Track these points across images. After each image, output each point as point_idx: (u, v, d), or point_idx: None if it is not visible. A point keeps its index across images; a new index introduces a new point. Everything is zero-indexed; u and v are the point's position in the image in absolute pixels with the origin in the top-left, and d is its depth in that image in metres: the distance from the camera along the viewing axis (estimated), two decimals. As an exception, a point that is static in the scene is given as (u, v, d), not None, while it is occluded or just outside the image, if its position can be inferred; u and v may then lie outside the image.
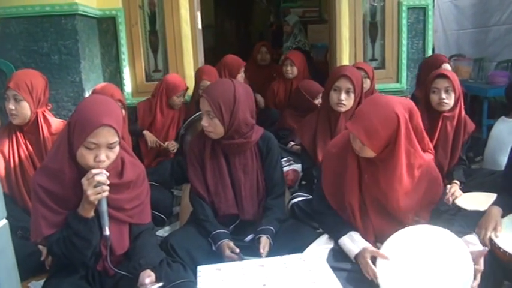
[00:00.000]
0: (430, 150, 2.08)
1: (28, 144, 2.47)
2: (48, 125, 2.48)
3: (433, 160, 2.12)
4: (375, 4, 4.29)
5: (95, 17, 3.84)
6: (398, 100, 2.00)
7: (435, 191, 2.02)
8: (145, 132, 3.57)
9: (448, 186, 2.75)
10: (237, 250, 2.15)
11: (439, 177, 2.07)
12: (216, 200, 2.33)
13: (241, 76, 4.07)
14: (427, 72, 3.07)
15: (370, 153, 1.94)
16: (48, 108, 2.54)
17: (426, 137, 2.10)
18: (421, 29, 4.29)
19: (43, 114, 2.48)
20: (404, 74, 4.34)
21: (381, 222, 1.99)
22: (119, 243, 1.88)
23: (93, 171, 1.69)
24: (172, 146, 3.60)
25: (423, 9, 4.25)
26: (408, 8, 4.22)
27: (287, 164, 3.55)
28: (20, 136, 2.47)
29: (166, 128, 3.68)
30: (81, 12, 3.36)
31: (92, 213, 1.75)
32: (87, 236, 1.74)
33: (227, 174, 2.35)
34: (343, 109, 2.74)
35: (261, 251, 2.11)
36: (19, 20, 3.26)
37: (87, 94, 3.42)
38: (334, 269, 1.90)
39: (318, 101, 3.67)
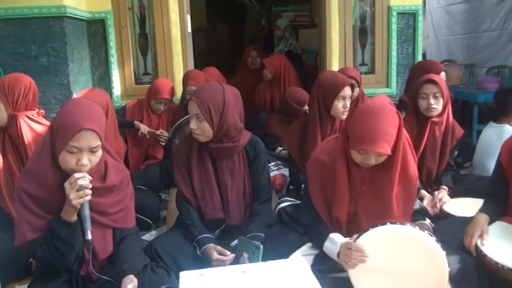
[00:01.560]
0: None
1: (12, 147, 2.45)
2: (29, 129, 2.46)
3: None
4: (366, 9, 4.30)
5: (84, 19, 3.82)
6: (386, 100, 2.00)
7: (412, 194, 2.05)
8: (136, 122, 3.50)
9: (436, 192, 2.76)
10: (228, 253, 2.15)
11: (416, 178, 2.06)
12: (202, 204, 2.32)
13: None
14: (418, 78, 3.07)
15: (383, 159, 1.91)
16: (34, 111, 2.51)
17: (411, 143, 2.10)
18: (411, 34, 4.31)
19: (23, 118, 2.46)
20: (394, 79, 4.36)
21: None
22: (102, 247, 1.87)
23: (76, 175, 1.68)
24: (164, 135, 3.52)
25: (413, 15, 4.27)
26: (398, 13, 4.24)
27: (275, 168, 3.54)
28: (6, 139, 2.46)
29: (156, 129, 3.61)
30: (69, 15, 3.34)
31: (75, 217, 1.74)
32: (69, 240, 1.73)
33: (214, 179, 2.34)
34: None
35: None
36: (6, 22, 3.24)
37: (75, 96, 3.40)
38: (319, 272, 1.91)
39: (306, 108, 3.65)
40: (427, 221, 2.62)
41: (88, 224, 1.73)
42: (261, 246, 2.11)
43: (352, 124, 1.93)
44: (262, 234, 2.23)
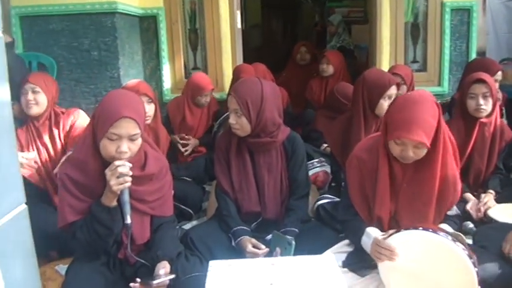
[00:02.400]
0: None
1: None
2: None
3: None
4: (418, 5, 4.18)
5: (137, 15, 3.95)
6: (427, 92, 1.97)
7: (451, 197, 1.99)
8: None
9: (482, 195, 2.66)
10: (262, 246, 2.18)
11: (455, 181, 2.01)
12: (239, 196, 2.36)
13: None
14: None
15: (423, 153, 1.88)
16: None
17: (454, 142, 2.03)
18: (464, 31, 4.15)
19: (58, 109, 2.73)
20: (446, 77, 4.21)
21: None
22: (140, 233, 1.94)
23: (116, 162, 1.76)
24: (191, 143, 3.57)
25: (467, 11, 4.11)
26: (452, 10, 4.09)
27: (319, 165, 3.52)
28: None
29: (196, 125, 3.68)
30: (120, 11, 3.46)
31: (114, 203, 1.81)
32: (109, 224, 1.81)
33: (251, 172, 2.37)
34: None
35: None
36: (61, 17, 3.40)
37: (123, 89, 3.52)
38: (350, 270, 1.93)
39: None
40: (470, 226, 2.57)
41: (127, 209, 1.80)
42: (293, 242, 2.13)
43: (389, 113, 1.94)
44: (296, 229, 2.25)
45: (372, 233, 1.91)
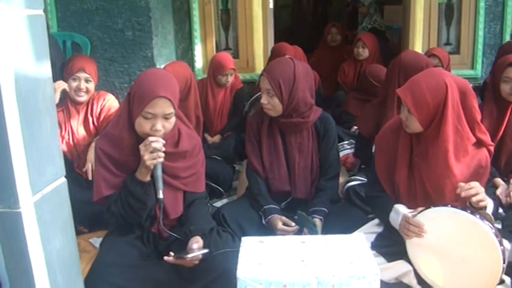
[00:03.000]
0: (486, 141, 1.96)
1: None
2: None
3: (488, 151, 2.02)
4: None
5: (169, -5, 3.97)
6: (453, 76, 1.98)
7: (480, 180, 1.95)
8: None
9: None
10: (293, 224, 2.22)
11: (488, 167, 2.01)
12: (270, 176, 2.39)
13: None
14: (506, 59, 2.90)
15: (416, 125, 1.92)
16: None
17: (482, 126, 2.00)
18: (499, 12, 4.02)
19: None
20: (479, 60, 4.12)
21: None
22: (173, 208, 2.00)
23: (151, 138, 1.81)
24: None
25: (503, -9, 3.99)
26: (486, -10, 3.99)
27: (348, 147, 3.52)
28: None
29: (218, 106, 3.67)
30: (154, -10, 3.49)
31: (148, 178, 1.87)
32: (142, 198, 1.87)
33: (282, 152, 2.39)
34: None
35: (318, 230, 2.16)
36: (95, -4, 3.45)
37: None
38: (379, 249, 1.95)
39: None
40: (499, 210, 2.54)
41: (160, 184, 1.85)
42: (317, 224, 2.17)
43: None
44: (325, 209, 2.27)
45: (401, 209, 1.94)
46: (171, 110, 1.84)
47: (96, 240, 2.46)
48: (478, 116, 2.00)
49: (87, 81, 2.75)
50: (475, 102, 1.97)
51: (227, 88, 3.68)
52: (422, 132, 1.96)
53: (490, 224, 1.74)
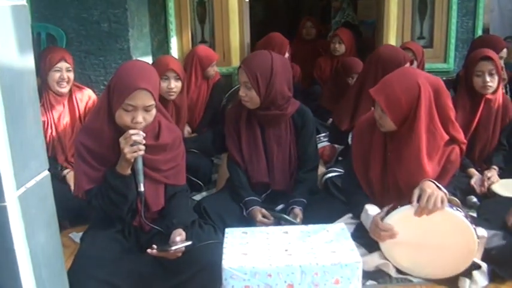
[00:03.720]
0: (459, 139, 2.02)
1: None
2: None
3: (459, 148, 2.09)
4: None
5: (144, -13, 3.92)
6: (426, 75, 2.03)
7: (446, 175, 2.03)
8: None
9: (486, 171, 2.72)
10: (271, 218, 2.24)
11: (456, 163, 2.08)
12: (249, 168, 2.42)
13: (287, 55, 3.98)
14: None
15: (390, 124, 1.97)
16: None
17: (456, 124, 2.07)
18: (472, 7, 4.13)
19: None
20: (452, 54, 4.22)
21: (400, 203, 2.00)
22: (154, 201, 1.99)
23: (131, 131, 1.80)
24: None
25: (475, -13, 4.09)
26: (459, -14, 4.08)
27: (325, 139, 3.57)
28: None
29: (201, 100, 3.68)
30: (130, -18, 3.44)
31: (128, 171, 1.86)
32: (123, 192, 1.86)
33: (261, 145, 2.42)
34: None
35: (298, 221, 2.19)
36: (71, -12, 3.38)
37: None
38: (358, 239, 1.99)
39: (351, 80, 3.62)
40: (473, 200, 2.63)
41: (141, 177, 1.85)
42: (297, 213, 2.26)
43: None
44: (304, 200, 2.31)
45: (371, 212, 1.98)
46: (152, 102, 1.83)
47: (76, 235, 2.45)
48: (452, 114, 2.06)
49: (68, 70, 2.74)
50: (448, 100, 2.03)
51: (208, 81, 3.69)
52: (396, 131, 2.01)
53: (458, 208, 1.82)
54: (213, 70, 3.65)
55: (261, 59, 2.34)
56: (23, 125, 1.41)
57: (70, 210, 2.43)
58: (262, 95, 2.29)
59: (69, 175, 2.67)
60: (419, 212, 1.80)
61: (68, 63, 2.74)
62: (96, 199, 1.89)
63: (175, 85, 2.93)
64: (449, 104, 2.04)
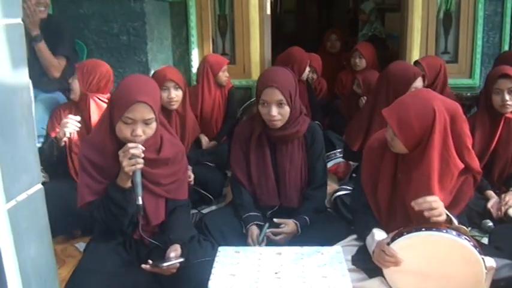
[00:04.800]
0: (474, 168, 1.93)
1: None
2: (96, 108, 2.72)
3: (474, 178, 2.01)
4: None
5: (167, 0, 3.98)
6: (443, 99, 1.92)
7: (456, 205, 1.94)
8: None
9: (503, 194, 2.61)
10: (257, 244, 2.19)
11: (468, 194, 1.98)
12: (258, 191, 2.40)
13: (308, 70, 3.98)
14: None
15: (401, 147, 1.88)
16: (105, 96, 2.76)
17: (472, 152, 1.97)
18: (498, 22, 4.00)
19: (93, 98, 2.72)
20: (477, 69, 4.09)
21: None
22: (154, 214, 2.00)
23: (129, 144, 1.81)
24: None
25: (501, 1, 3.95)
26: (485, -1, 3.96)
27: (340, 155, 3.52)
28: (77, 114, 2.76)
29: (216, 110, 3.67)
30: (149, -4, 3.51)
31: (129, 184, 1.87)
32: (123, 204, 1.87)
33: (271, 166, 2.39)
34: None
35: (275, 220, 2.21)
36: (92, 1, 3.48)
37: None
38: (360, 263, 1.94)
39: (362, 100, 3.56)
40: (489, 224, 2.53)
41: (139, 191, 1.85)
42: (289, 224, 2.24)
43: None
44: (306, 217, 2.28)
45: (377, 236, 1.91)
46: (151, 116, 1.85)
47: (82, 245, 2.48)
48: (469, 141, 1.95)
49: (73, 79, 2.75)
50: (465, 127, 1.92)
51: (222, 89, 3.69)
52: (408, 154, 1.93)
53: (467, 238, 1.73)
54: (225, 76, 3.63)
55: (286, 75, 2.33)
56: (15, 140, 1.43)
57: (83, 219, 2.44)
58: (292, 111, 2.28)
59: None
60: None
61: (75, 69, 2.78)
62: (97, 211, 1.91)
63: (176, 94, 2.92)
64: (466, 131, 1.93)
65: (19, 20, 1.46)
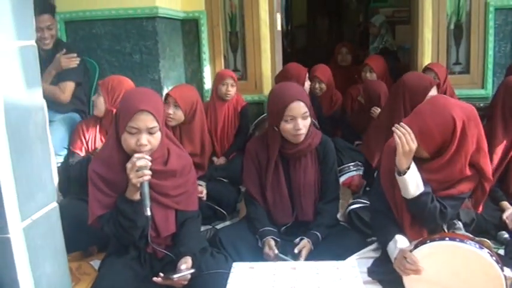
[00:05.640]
0: (485, 172, 1.95)
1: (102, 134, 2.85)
2: None
3: (482, 186, 2.03)
4: (461, 5, 4.04)
5: (178, 18, 4.03)
6: (459, 105, 1.97)
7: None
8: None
9: None
10: (276, 251, 2.18)
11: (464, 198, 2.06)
12: (273, 209, 2.40)
13: (308, 84, 3.99)
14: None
15: (423, 153, 1.95)
16: None
17: (487, 154, 1.96)
18: (509, 31, 3.97)
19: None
20: (490, 79, 4.05)
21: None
22: (164, 226, 2.02)
23: (136, 155, 1.83)
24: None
25: (512, 10, 3.95)
26: (496, 9, 3.93)
27: (354, 168, 3.51)
28: (101, 128, 2.88)
29: (224, 126, 3.68)
30: (161, 15, 3.55)
31: (137, 196, 1.88)
32: (132, 217, 1.88)
33: (285, 185, 2.39)
34: None
35: (296, 251, 2.15)
36: (104, 22, 3.53)
37: (165, 91, 3.60)
38: (375, 275, 1.92)
39: (374, 111, 3.51)
40: (505, 235, 2.49)
41: (147, 202, 1.85)
42: (303, 246, 2.22)
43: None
44: (318, 233, 2.27)
45: (399, 244, 1.92)
46: (155, 124, 1.87)
47: (97, 263, 2.48)
48: (484, 143, 1.99)
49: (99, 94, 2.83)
50: (480, 129, 1.98)
51: (230, 104, 3.70)
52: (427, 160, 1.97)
53: (489, 251, 1.72)
54: (226, 89, 3.60)
55: (299, 88, 2.37)
56: (30, 159, 1.46)
57: (99, 236, 2.46)
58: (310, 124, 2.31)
59: None
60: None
61: (99, 85, 2.86)
62: (107, 225, 1.93)
63: (174, 111, 2.94)
64: (481, 133, 1.99)
65: (33, 42, 1.49)
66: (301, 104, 2.23)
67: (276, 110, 2.26)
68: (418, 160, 1.97)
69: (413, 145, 1.89)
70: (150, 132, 1.87)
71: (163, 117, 1.98)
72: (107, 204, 1.93)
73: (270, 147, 2.37)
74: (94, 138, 2.87)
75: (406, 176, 1.93)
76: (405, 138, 1.89)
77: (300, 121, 2.23)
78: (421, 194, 1.94)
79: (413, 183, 1.93)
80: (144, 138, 1.85)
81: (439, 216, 1.97)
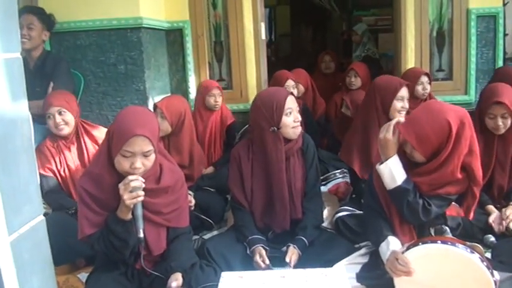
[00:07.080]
0: (476, 175, 2.00)
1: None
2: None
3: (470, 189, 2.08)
4: (443, 12, 4.10)
5: (162, 29, 4.03)
6: (452, 109, 2.00)
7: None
8: None
9: (503, 209, 2.61)
10: (267, 261, 2.19)
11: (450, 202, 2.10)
12: (268, 216, 2.41)
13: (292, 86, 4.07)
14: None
15: (420, 157, 1.98)
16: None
17: (478, 157, 2.01)
18: (491, 38, 4.04)
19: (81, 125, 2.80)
20: (472, 85, 4.11)
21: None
22: (156, 244, 2.00)
23: (130, 177, 1.81)
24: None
25: (493, 17, 4.00)
26: (477, 16, 4.00)
27: (340, 175, 3.53)
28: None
29: (211, 136, 3.71)
30: (146, 26, 3.54)
31: (129, 216, 1.86)
32: (123, 237, 1.86)
33: (285, 184, 2.39)
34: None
35: (287, 260, 2.15)
36: (88, 33, 3.50)
37: (151, 101, 3.60)
38: (364, 283, 1.93)
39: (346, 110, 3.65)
40: (491, 239, 2.52)
41: (140, 223, 1.85)
42: (291, 253, 2.23)
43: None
44: (304, 239, 2.28)
45: (392, 245, 1.94)
46: (150, 148, 1.85)
47: (84, 276, 2.45)
48: (476, 146, 2.03)
49: (60, 113, 2.73)
50: (473, 132, 2.02)
51: (217, 114, 3.73)
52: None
53: (481, 257, 1.74)
54: (214, 100, 3.66)
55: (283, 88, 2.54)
56: (16, 172, 1.44)
57: (86, 248, 2.44)
58: None
59: None
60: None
61: (57, 106, 2.72)
62: (98, 244, 1.90)
63: (160, 123, 2.92)
64: (474, 136, 2.03)
65: (18, 54, 1.48)
66: (293, 98, 2.36)
67: (273, 110, 2.31)
68: (414, 164, 2.02)
69: (389, 135, 1.99)
70: (145, 155, 1.85)
71: (158, 136, 1.96)
72: (96, 222, 1.90)
73: (273, 151, 2.35)
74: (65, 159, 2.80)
75: (381, 166, 2.02)
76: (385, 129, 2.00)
77: (297, 113, 2.34)
78: (399, 187, 1.99)
79: (388, 175, 2.01)
80: (139, 162, 1.84)
81: (422, 212, 2.00)
